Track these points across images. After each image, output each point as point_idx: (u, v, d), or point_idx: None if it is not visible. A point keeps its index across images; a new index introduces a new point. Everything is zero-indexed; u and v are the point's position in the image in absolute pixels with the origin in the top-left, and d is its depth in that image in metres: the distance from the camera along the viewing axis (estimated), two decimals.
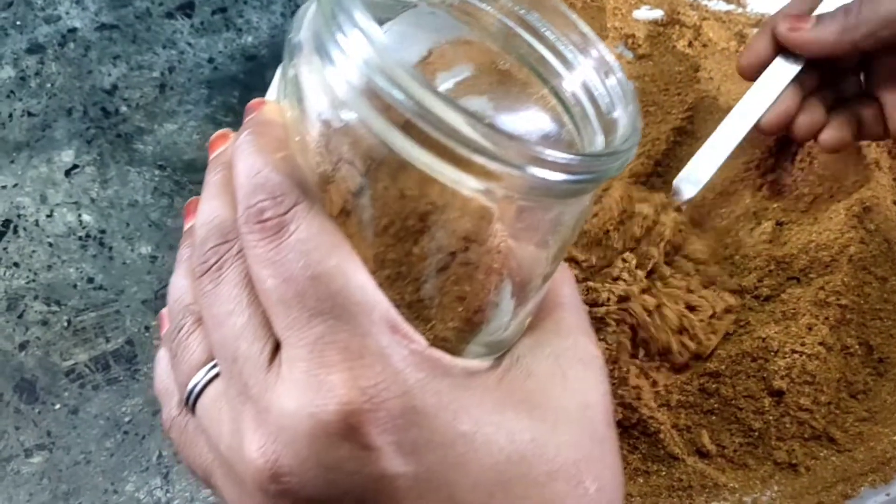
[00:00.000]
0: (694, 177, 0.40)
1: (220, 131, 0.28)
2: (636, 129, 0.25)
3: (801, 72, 0.39)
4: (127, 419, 0.41)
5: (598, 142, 0.26)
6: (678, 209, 0.41)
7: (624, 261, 0.39)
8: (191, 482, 0.39)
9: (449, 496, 0.23)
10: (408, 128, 0.21)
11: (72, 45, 0.54)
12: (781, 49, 0.39)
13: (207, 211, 0.26)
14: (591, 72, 0.27)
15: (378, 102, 0.21)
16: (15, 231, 0.47)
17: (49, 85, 0.52)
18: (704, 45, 0.49)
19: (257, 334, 0.24)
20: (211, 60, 0.54)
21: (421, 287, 0.24)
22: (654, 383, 0.38)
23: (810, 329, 0.38)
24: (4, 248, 0.46)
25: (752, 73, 0.40)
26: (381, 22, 0.23)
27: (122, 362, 0.43)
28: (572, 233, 0.25)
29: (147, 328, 0.44)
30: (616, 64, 0.26)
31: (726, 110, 0.46)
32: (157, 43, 0.54)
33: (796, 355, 0.38)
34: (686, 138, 0.45)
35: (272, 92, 0.29)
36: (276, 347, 0.24)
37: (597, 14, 0.52)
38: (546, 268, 0.26)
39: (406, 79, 0.21)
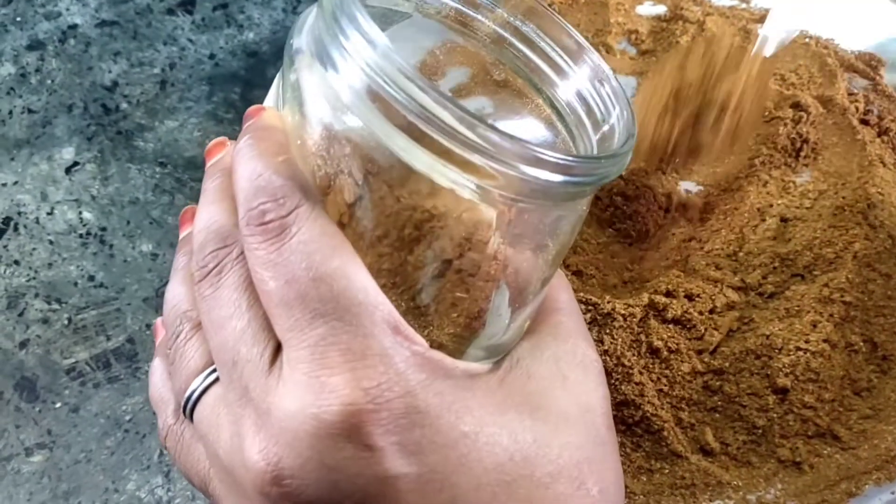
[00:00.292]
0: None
1: (216, 139, 0.28)
2: (632, 134, 0.25)
3: None
4: (128, 418, 0.41)
5: (593, 149, 0.26)
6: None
7: None
8: None
9: (451, 497, 0.23)
10: (409, 129, 0.21)
11: (72, 41, 0.54)
12: None
13: (206, 216, 0.26)
14: (586, 80, 0.27)
15: (380, 104, 0.21)
16: (15, 229, 0.47)
17: (49, 82, 0.52)
18: None
19: (257, 337, 0.24)
20: (212, 57, 0.54)
21: (419, 293, 0.24)
22: (658, 380, 0.38)
23: (814, 326, 0.38)
24: (5, 246, 0.46)
25: None
26: None
27: (123, 360, 0.43)
28: (570, 237, 0.25)
29: (148, 326, 0.44)
30: (610, 72, 0.27)
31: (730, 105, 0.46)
32: (157, 39, 0.54)
33: (800, 352, 0.38)
34: (690, 133, 0.45)
35: (270, 99, 0.29)
36: (277, 351, 0.24)
37: (600, 10, 0.51)
38: (545, 272, 0.26)
39: (408, 80, 0.20)
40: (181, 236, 0.29)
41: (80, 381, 0.42)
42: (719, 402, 0.38)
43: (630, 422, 0.37)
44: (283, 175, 0.23)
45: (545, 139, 0.28)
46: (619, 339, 0.38)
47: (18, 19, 0.54)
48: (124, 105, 0.51)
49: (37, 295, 0.44)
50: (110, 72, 0.53)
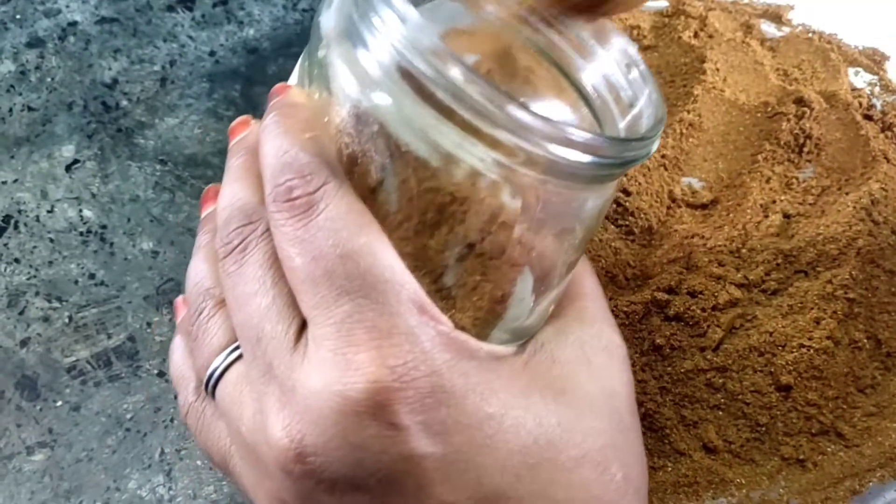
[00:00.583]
0: None
1: (240, 118, 0.28)
2: (661, 118, 0.24)
3: None
4: (129, 416, 0.41)
5: (620, 133, 0.26)
6: None
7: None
8: (193, 479, 0.39)
9: (476, 478, 0.23)
10: (438, 106, 0.21)
11: (72, 38, 0.54)
12: None
13: (230, 194, 0.26)
14: (612, 64, 0.27)
15: (409, 81, 0.21)
16: (16, 227, 0.46)
17: (49, 79, 0.52)
18: (710, 36, 0.49)
19: (282, 314, 0.24)
20: (212, 54, 0.54)
21: (442, 275, 0.24)
22: (660, 377, 0.38)
23: (818, 323, 0.38)
24: (5, 244, 0.46)
25: None
26: None
27: (124, 359, 0.42)
28: (596, 222, 0.25)
29: (149, 324, 0.43)
30: (638, 56, 0.26)
31: (733, 102, 0.46)
32: (157, 36, 0.54)
33: (804, 349, 0.38)
34: (692, 130, 0.45)
35: (293, 79, 0.29)
36: (302, 328, 0.23)
37: None
38: (570, 256, 0.25)
39: (438, 56, 0.20)
40: (203, 215, 0.29)
41: (81, 380, 0.42)
42: (722, 400, 0.38)
43: None
44: (310, 152, 0.23)
45: (571, 122, 0.28)
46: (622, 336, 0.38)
47: (18, 17, 0.54)
48: (124, 102, 0.51)
49: (37, 293, 0.44)
50: (110, 69, 0.52)
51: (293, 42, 0.54)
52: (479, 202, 0.22)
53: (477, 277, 0.24)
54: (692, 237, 0.42)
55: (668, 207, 0.43)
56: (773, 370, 0.37)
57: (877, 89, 0.48)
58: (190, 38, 0.54)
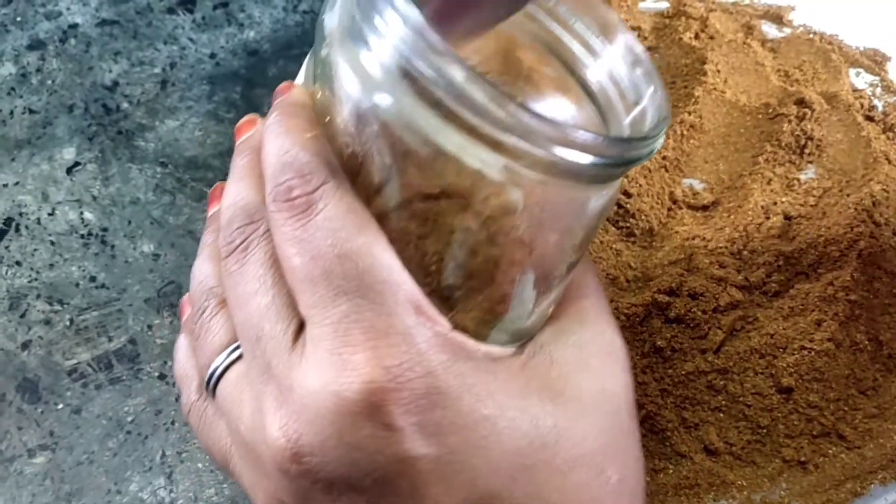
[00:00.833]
0: None
1: (247, 117, 0.28)
2: (665, 117, 0.24)
3: None
4: (130, 419, 0.41)
5: (625, 131, 0.26)
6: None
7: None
8: (194, 482, 0.39)
9: (470, 479, 0.23)
10: (440, 108, 0.21)
11: (73, 41, 0.54)
12: None
13: (234, 193, 0.26)
14: (618, 61, 0.27)
15: (411, 82, 0.21)
16: (17, 229, 0.47)
17: (50, 82, 0.52)
18: (711, 37, 0.48)
19: (281, 314, 0.24)
20: (213, 56, 0.54)
21: (443, 275, 0.24)
22: (661, 379, 0.38)
23: (819, 325, 0.38)
24: (6, 247, 0.46)
25: None
26: None
27: (125, 361, 0.43)
28: (598, 222, 0.25)
29: (150, 327, 0.43)
30: (644, 53, 0.26)
31: (734, 103, 0.46)
32: (158, 39, 0.54)
33: (805, 351, 0.37)
34: (693, 131, 0.45)
35: (300, 78, 0.29)
36: (300, 328, 0.24)
37: None
38: (571, 257, 0.25)
39: (440, 57, 0.20)
40: (209, 214, 0.30)
41: (82, 383, 0.42)
42: (723, 402, 0.38)
43: None
44: (310, 151, 0.23)
45: (576, 120, 0.28)
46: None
47: (19, 19, 0.54)
48: (125, 105, 0.51)
49: (38, 296, 0.44)
50: (111, 71, 0.52)
51: (294, 44, 0.54)
52: (480, 202, 0.22)
53: (478, 277, 0.24)
54: (693, 239, 0.42)
55: (669, 209, 0.43)
56: (774, 372, 0.37)
57: (878, 90, 0.48)
58: (190, 40, 0.54)
